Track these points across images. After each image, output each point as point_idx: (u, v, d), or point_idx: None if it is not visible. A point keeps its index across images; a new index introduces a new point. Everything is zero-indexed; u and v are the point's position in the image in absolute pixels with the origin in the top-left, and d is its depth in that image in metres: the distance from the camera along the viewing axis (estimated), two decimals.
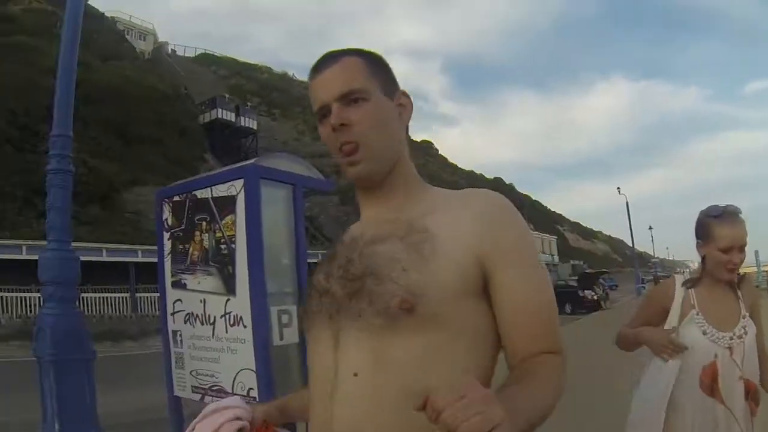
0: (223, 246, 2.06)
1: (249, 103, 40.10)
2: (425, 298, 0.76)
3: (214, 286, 2.16)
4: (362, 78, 0.87)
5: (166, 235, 2.25)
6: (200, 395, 2.41)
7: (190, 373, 2.44)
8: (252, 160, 2.33)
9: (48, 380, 2.94)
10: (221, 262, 2.09)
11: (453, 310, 0.78)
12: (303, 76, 45.15)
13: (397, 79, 0.95)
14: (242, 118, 35.41)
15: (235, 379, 2.17)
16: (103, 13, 36.00)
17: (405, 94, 0.94)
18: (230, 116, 34.60)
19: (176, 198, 2.22)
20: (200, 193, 2.11)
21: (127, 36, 40.98)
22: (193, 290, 2.25)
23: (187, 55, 54.21)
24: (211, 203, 2.06)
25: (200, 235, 2.09)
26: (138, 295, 16.82)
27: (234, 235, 2.01)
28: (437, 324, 0.77)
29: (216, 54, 57.15)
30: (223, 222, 2.01)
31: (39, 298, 13.40)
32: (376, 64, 0.91)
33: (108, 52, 29.38)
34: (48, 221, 3.22)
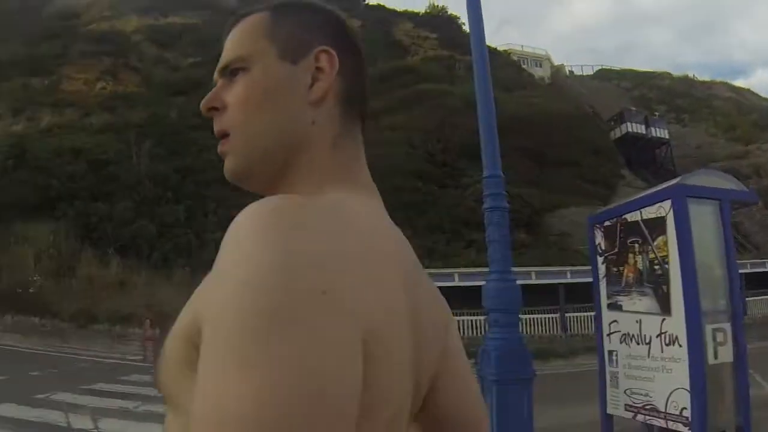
0: (656, 267, 2.15)
1: (656, 113, 37.60)
2: None
3: (649, 306, 2.24)
4: (251, 41, 0.61)
5: (600, 259, 2.48)
6: (632, 413, 2.51)
7: (624, 392, 2.56)
8: (676, 180, 2.35)
9: (490, 397, 3.24)
10: (655, 283, 2.16)
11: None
12: (704, 76, 39.19)
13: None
14: (652, 129, 33.56)
15: (668, 398, 2.19)
16: (496, 48, 38.90)
17: (327, 52, 0.60)
18: (640, 128, 33.24)
19: (607, 223, 2.43)
20: (630, 217, 2.26)
21: (523, 65, 43.33)
22: (629, 311, 2.37)
23: (584, 73, 54.76)
24: (642, 226, 2.18)
25: (633, 258, 2.23)
26: (567, 315, 17.55)
27: (666, 255, 2.06)
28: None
29: (614, 68, 55.91)
30: (655, 243, 2.10)
31: (471, 321, 15.40)
32: (282, 17, 0.62)
33: (510, 84, 31.38)
34: (489, 254, 3.59)
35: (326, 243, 0.44)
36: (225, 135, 0.62)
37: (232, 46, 0.62)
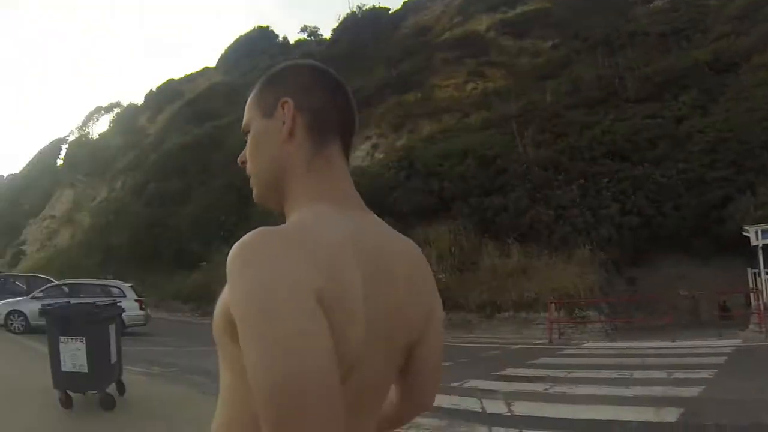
0: None
1: None
2: None
3: None
4: (249, 112, 0.86)
5: None
6: None
7: None
8: None
9: None
10: None
11: None
12: None
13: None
14: None
15: None
16: None
17: (284, 104, 0.80)
18: None
19: None
20: None
21: None
22: None
23: None
24: None
25: None
26: None
27: None
28: None
29: None
30: None
31: None
32: (262, 88, 0.86)
33: None
34: None
35: (270, 263, 0.63)
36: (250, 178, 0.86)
37: (244, 115, 0.86)
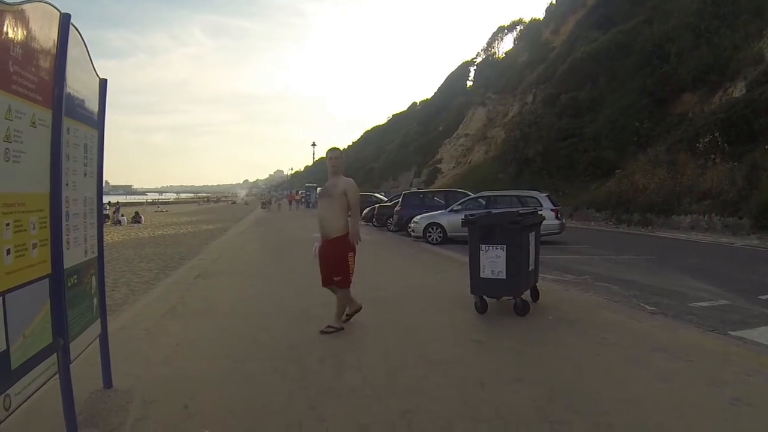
0: None
1: None
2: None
3: None
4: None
5: None
6: None
7: None
8: None
9: None
10: None
11: (340, 197, 5.17)
12: None
13: None
14: None
15: None
16: None
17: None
18: None
19: None
20: None
21: None
22: None
23: None
24: None
25: None
26: None
27: None
28: (340, 199, 5.18)
29: None
30: None
31: None
32: None
33: None
34: None
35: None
36: None
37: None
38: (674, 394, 3.55)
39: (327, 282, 5.33)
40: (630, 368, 4.10)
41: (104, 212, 32.01)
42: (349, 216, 5.23)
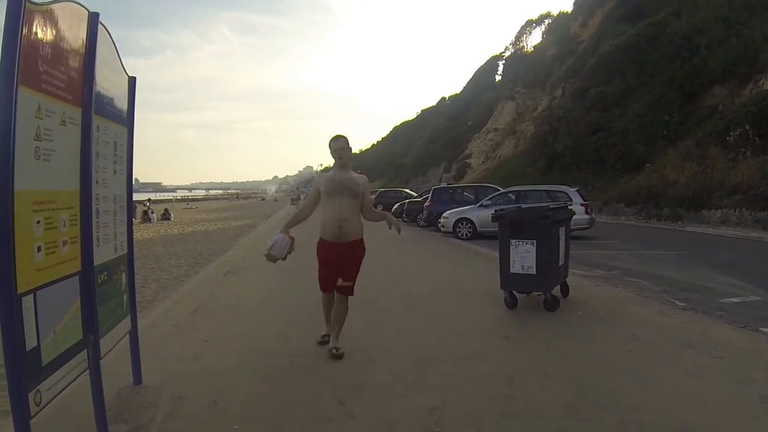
0: None
1: None
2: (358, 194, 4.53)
3: None
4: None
5: None
6: None
7: None
8: None
9: None
10: None
11: (361, 197, 4.54)
12: None
13: None
14: None
15: None
16: None
17: None
18: None
19: None
20: None
21: None
22: None
23: None
24: None
25: None
26: None
27: None
28: (358, 198, 4.51)
29: None
30: None
31: None
32: None
33: None
34: None
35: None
36: None
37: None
38: (704, 392, 3.47)
39: (332, 287, 4.61)
40: (659, 364, 4.01)
41: (144, 208, 31.91)
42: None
